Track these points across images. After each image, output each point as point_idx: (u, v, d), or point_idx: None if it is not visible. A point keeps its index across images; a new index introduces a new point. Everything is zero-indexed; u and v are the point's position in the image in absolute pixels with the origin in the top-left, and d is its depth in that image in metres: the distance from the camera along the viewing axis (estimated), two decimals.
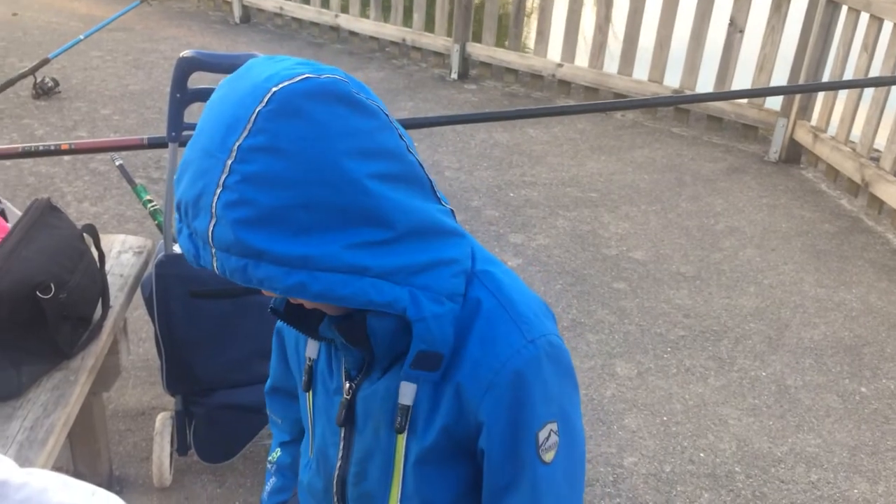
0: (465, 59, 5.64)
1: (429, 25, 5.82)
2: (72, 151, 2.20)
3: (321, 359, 0.94)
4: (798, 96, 4.36)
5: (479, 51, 5.59)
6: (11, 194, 3.47)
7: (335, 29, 6.45)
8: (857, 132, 4.02)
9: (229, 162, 0.69)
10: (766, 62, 4.45)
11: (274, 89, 0.70)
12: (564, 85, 5.33)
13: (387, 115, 0.77)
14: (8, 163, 3.81)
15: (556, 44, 5.30)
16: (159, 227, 2.15)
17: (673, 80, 4.82)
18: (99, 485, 0.78)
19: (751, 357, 2.76)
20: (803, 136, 4.34)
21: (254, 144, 0.69)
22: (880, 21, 3.86)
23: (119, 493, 2.04)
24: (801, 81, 4.30)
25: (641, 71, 4.95)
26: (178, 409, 2.01)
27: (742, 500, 2.16)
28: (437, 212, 0.80)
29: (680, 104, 4.84)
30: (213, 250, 0.71)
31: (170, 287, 1.88)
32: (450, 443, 0.87)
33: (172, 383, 1.99)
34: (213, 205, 0.70)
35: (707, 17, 4.62)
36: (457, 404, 0.84)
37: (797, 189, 4.12)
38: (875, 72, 3.97)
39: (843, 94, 4.15)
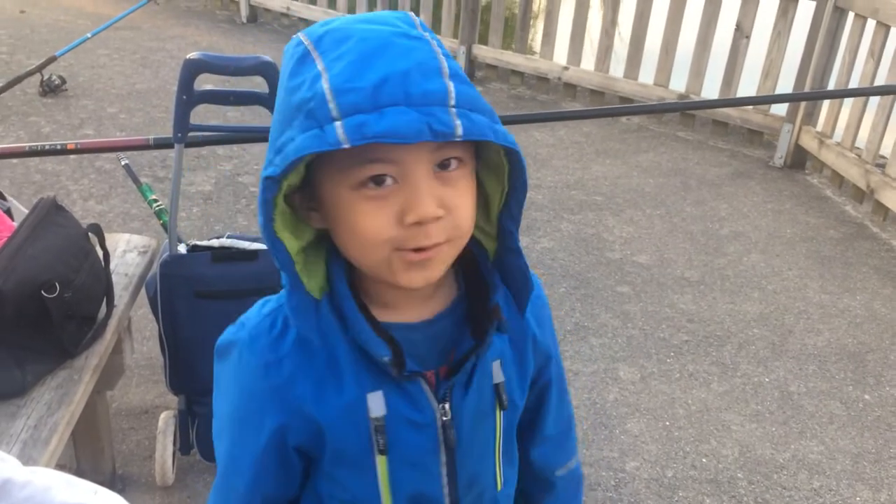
0: (471, 61, 5.65)
1: (435, 27, 5.83)
2: (77, 151, 2.21)
3: (395, 406, 0.84)
4: (804, 102, 4.36)
5: (485, 53, 5.60)
6: (18, 191, 3.48)
7: None
8: (862, 138, 4.01)
9: (431, 40, 0.73)
10: (772, 67, 4.45)
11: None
12: (570, 88, 5.34)
13: None
14: (14, 160, 3.82)
15: (563, 46, 5.30)
16: (164, 226, 2.16)
17: (679, 84, 4.82)
18: (102, 483, 0.79)
19: (754, 363, 2.76)
20: (809, 142, 4.34)
21: (432, 33, 0.75)
22: (887, 28, 3.86)
23: (122, 491, 2.04)
24: (808, 87, 4.30)
25: (647, 74, 4.95)
26: (181, 408, 2.01)
27: None
28: None
29: (685, 110, 4.84)
30: (454, 109, 0.69)
31: (174, 287, 1.88)
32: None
33: (176, 382, 2.00)
34: (444, 67, 0.71)
35: (713, 21, 4.62)
36: (534, 353, 0.93)
37: (802, 195, 4.11)
38: (881, 78, 3.96)
39: (848, 101, 4.14)
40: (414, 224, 0.72)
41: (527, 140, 4.63)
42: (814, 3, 4.23)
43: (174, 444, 2.06)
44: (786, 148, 4.44)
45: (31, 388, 1.54)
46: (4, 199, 1.98)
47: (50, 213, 1.68)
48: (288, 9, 6.77)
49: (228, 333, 0.90)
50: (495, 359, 0.88)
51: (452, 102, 0.69)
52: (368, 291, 0.84)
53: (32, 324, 1.54)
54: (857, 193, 4.00)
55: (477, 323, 0.85)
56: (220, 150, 4.18)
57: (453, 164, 0.74)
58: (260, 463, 0.89)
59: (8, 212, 1.89)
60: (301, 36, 0.76)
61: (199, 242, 2.01)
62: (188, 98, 1.83)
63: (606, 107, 5.01)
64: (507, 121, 4.26)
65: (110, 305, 1.78)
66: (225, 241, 2.01)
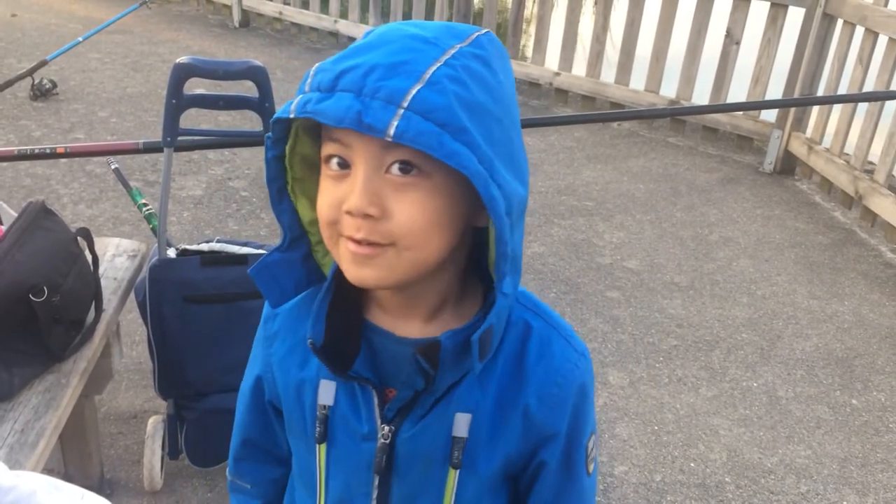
0: None
1: None
2: (67, 155, 2.21)
3: (340, 404, 0.84)
4: (793, 108, 4.39)
5: None
6: (7, 195, 3.47)
7: (334, 34, 6.46)
8: (851, 145, 4.04)
9: (453, 51, 0.71)
10: (761, 74, 4.48)
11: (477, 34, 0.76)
12: (562, 93, 5.35)
13: None
14: (4, 164, 3.81)
15: (554, 52, 5.32)
16: (154, 230, 2.16)
17: (669, 90, 4.84)
18: (89, 488, 0.79)
19: (742, 368, 2.77)
20: (798, 148, 4.36)
21: (473, 51, 0.72)
22: (875, 35, 3.89)
23: (109, 496, 2.04)
24: (797, 93, 4.33)
25: (638, 80, 4.97)
26: (169, 413, 2.01)
27: None
28: None
29: (676, 116, 4.86)
30: (401, 111, 0.66)
31: (163, 291, 1.88)
32: (503, 471, 0.87)
33: (164, 387, 2.00)
34: (428, 72, 0.69)
35: (704, 28, 4.64)
36: (524, 427, 0.84)
37: (791, 200, 4.14)
38: (870, 85, 3.99)
39: (837, 107, 4.18)
40: (346, 213, 0.72)
41: None
42: (803, 11, 4.26)
43: (163, 448, 2.06)
44: (775, 154, 4.46)
45: (19, 392, 1.54)
46: None
47: (39, 217, 1.68)
48: (280, 14, 6.77)
49: None
50: (465, 410, 0.82)
51: (405, 104, 0.66)
52: (372, 290, 0.83)
53: (20, 327, 1.54)
54: (845, 199, 4.02)
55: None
56: (212, 154, 4.18)
57: (413, 170, 0.71)
58: (246, 403, 0.98)
59: None
60: (340, 27, 0.79)
61: (188, 247, 2.01)
62: (178, 102, 1.83)
63: (597, 112, 5.03)
64: None
65: (99, 310, 1.77)
66: (214, 246, 2.01)
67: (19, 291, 1.51)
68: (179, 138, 1.91)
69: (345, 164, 0.73)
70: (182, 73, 1.80)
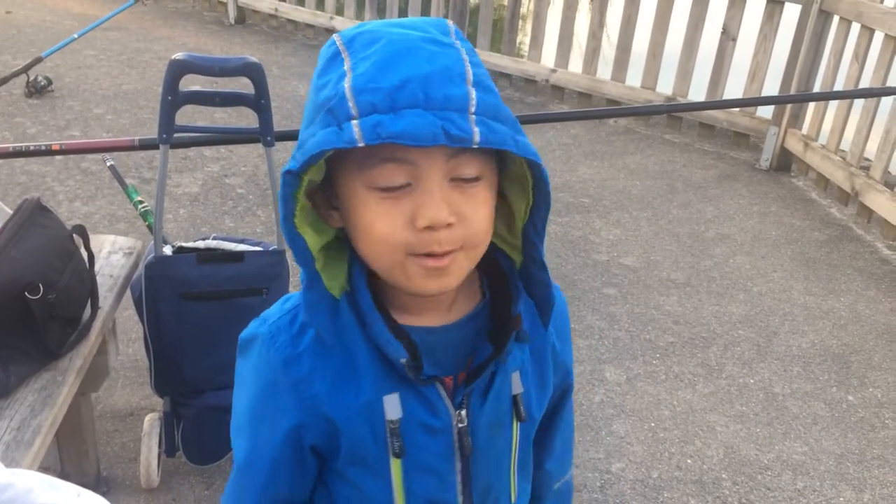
0: None
1: None
2: (63, 152, 2.20)
3: (411, 410, 0.83)
4: (789, 105, 4.39)
5: None
6: (3, 192, 3.46)
7: (330, 31, 6.45)
8: (847, 141, 4.04)
9: (461, 48, 0.73)
10: (758, 70, 4.48)
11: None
12: (558, 90, 5.35)
13: None
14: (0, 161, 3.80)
15: (550, 49, 5.32)
16: (150, 228, 2.15)
17: (666, 86, 4.84)
18: (86, 485, 0.78)
19: (739, 364, 2.77)
20: (794, 145, 4.37)
21: (467, 46, 0.75)
22: (871, 31, 3.89)
23: (106, 494, 2.03)
24: (793, 90, 4.33)
25: (634, 77, 4.97)
26: (166, 411, 2.01)
27: None
28: None
29: (672, 112, 4.86)
30: (474, 116, 0.68)
31: (159, 288, 1.88)
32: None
33: (161, 384, 1.99)
34: (469, 75, 0.70)
35: (700, 24, 4.64)
36: (555, 367, 0.94)
37: (787, 197, 4.14)
38: (866, 81, 3.99)
39: (833, 104, 4.17)
40: (425, 229, 0.72)
41: None
42: (799, 7, 4.27)
43: (159, 446, 2.05)
44: (771, 150, 4.46)
45: (15, 390, 1.54)
46: None
47: (34, 215, 1.68)
48: (276, 10, 6.76)
49: (250, 328, 0.90)
50: (515, 369, 0.88)
51: (473, 109, 0.68)
52: (388, 294, 0.84)
53: (16, 325, 1.53)
54: (841, 196, 4.03)
55: (498, 332, 0.85)
56: (208, 151, 4.17)
57: (473, 175, 0.73)
58: (276, 461, 0.88)
59: None
60: (336, 37, 0.76)
61: (184, 244, 2.01)
62: (173, 99, 1.82)
63: (594, 108, 5.02)
64: None
65: (95, 307, 1.77)
66: (211, 243, 2.01)
67: (15, 289, 1.51)
68: (175, 135, 1.90)
69: (405, 183, 0.72)
70: (178, 70, 1.79)
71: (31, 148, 2.19)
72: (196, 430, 2.01)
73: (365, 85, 0.69)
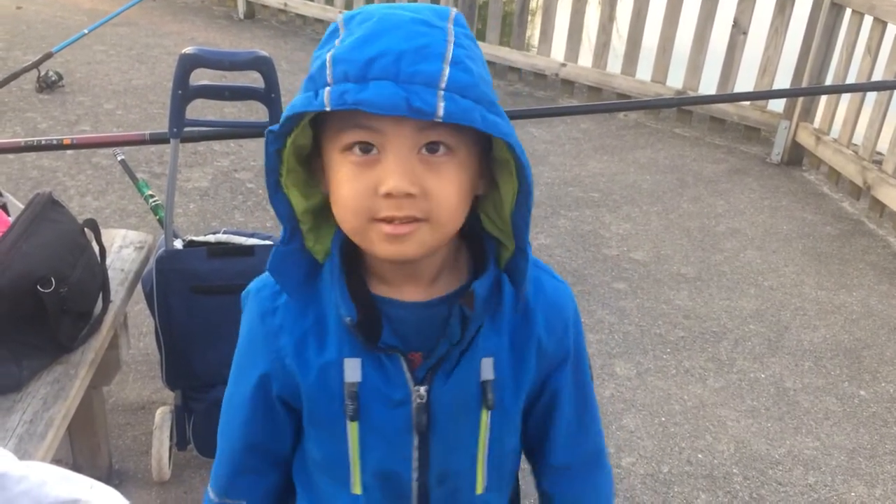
0: None
1: None
2: (73, 146, 2.20)
3: (369, 378, 0.87)
4: (801, 98, 4.36)
5: (482, 49, 5.57)
6: (14, 187, 3.48)
7: None
8: (859, 135, 4.01)
9: (451, 31, 0.75)
10: (769, 64, 4.45)
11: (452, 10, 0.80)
12: (568, 84, 5.33)
13: None
14: (11, 156, 3.81)
15: (560, 43, 5.30)
16: (160, 222, 2.16)
17: (676, 80, 4.82)
18: (98, 478, 0.79)
19: (750, 359, 2.76)
20: (806, 139, 4.34)
21: (463, 31, 0.77)
22: (884, 24, 3.86)
23: (118, 486, 2.04)
24: (805, 84, 4.30)
25: (645, 71, 4.95)
26: (177, 404, 2.01)
27: (739, 502, 2.17)
28: None
29: (682, 106, 4.84)
30: (441, 92, 0.70)
31: (170, 282, 1.88)
32: (524, 404, 0.95)
33: (172, 378, 2.00)
34: (448, 53, 0.73)
35: (711, 18, 4.62)
36: (538, 360, 0.92)
37: (799, 191, 4.12)
38: (878, 74, 3.96)
39: (845, 97, 4.15)
40: (386, 196, 0.74)
41: (524, 136, 4.63)
42: (811, 0, 4.23)
43: (171, 439, 2.06)
44: (783, 144, 4.44)
45: (27, 383, 1.54)
46: (1, 194, 1.98)
47: (46, 209, 1.68)
48: (285, 5, 6.75)
49: (249, 285, 0.95)
50: (487, 355, 0.88)
51: (443, 85, 0.71)
52: (368, 262, 0.87)
53: (28, 319, 1.54)
54: (853, 190, 4.01)
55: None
56: (217, 146, 4.17)
57: (441, 148, 0.75)
58: (249, 407, 0.94)
59: (4, 207, 1.88)
60: (339, 15, 0.80)
61: (195, 238, 2.01)
62: (184, 93, 1.83)
63: (604, 102, 5.01)
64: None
65: (106, 301, 1.77)
66: (221, 237, 2.01)
67: (27, 283, 1.51)
68: (186, 129, 1.91)
69: (373, 150, 0.75)
70: (188, 64, 1.79)
71: (43, 143, 2.19)
72: (207, 424, 2.01)
73: (342, 55, 0.73)
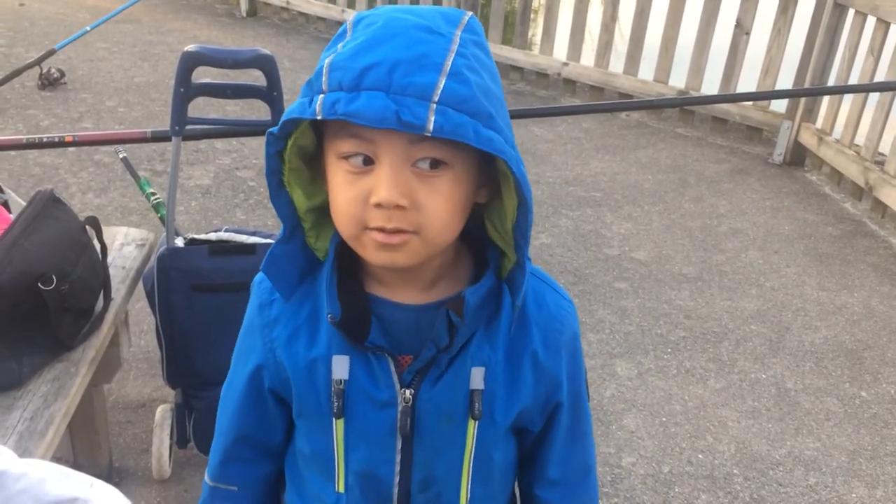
0: None
1: None
2: (75, 144, 2.20)
3: (356, 376, 0.86)
4: (803, 99, 4.36)
5: None
6: (16, 184, 3.48)
7: (342, 24, 6.43)
8: (862, 136, 4.01)
9: (457, 39, 0.73)
10: (771, 64, 4.45)
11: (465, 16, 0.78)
12: (570, 84, 5.33)
13: None
14: (13, 153, 3.81)
15: (563, 42, 5.30)
16: (162, 220, 2.16)
17: (678, 80, 4.81)
18: (98, 476, 0.79)
19: (751, 359, 2.76)
20: (808, 139, 4.34)
21: (472, 38, 0.75)
22: (887, 25, 3.85)
23: (118, 484, 2.05)
24: (807, 84, 4.29)
25: (647, 71, 4.95)
26: (178, 402, 2.01)
27: (740, 503, 2.17)
28: None
29: (684, 105, 4.83)
30: (434, 105, 0.69)
31: (171, 280, 1.88)
32: (517, 422, 0.93)
33: (172, 376, 2.00)
34: (448, 64, 0.71)
35: (713, 18, 4.61)
36: (535, 375, 0.90)
37: (801, 192, 4.12)
38: (881, 75, 3.96)
39: (848, 98, 4.14)
40: (376, 206, 0.74)
41: (526, 135, 4.63)
42: (814, 0, 4.23)
43: (171, 437, 2.06)
44: (785, 145, 4.43)
45: (28, 381, 1.54)
46: (2, 191, 1.98)
47: (47, 206, 1.68)
48: (288, 3, 6.75)
49: (256, 276, 0.96)
50: (479, 365, 0.87)
51: (436, 98, 0.69)
52: (365, 264, 0.86)
53: (29, 316, 1.54)
54: (855, 190, 4.00)
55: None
56: (219, 144, 4.17)
57: (434, 163, 0.74)
58: (241, 398, 0.96)
59: (5, 204, 1.88)
60: (352, 15, 0.80)
61: (196, 236, 2.01)
62: (186, 91, 1.83)
63: (606, 102, 5.00)
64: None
65: (107, 298, 1.77)
66: (222, 235, 2.01)
67: (28, 280, 1.51)
68: (188, 127, 1.91)
69: (368, 160, 0.75)
70: (190, 62, 1.79)
71: (45, 140, 2.19)
72: (208, 422, 2.00)
73: (339, 63, 0.72)
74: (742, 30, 4.53)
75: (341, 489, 0.93)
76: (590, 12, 5.18)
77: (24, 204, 1.72)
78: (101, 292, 1.77)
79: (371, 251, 0.78)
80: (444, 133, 0.69)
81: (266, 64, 1.84)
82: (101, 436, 2.06)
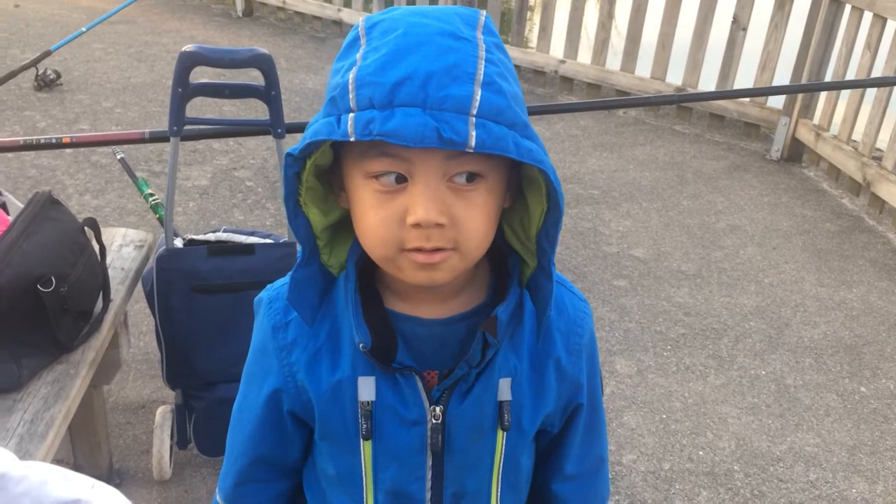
0: None
1: None
2: (73, 145, 2.20)
3: (384, 396, 0.84)
4: (800, 95, 4.36)
5: None
6: (13, 186, 3.47)
7: (338, 23, 6.44)
8: (859, 131, 4.01)
9: (482, 43, 0.71)
10: (768, 60, 4.45)
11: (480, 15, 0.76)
12: (567, 81, 5.33)
13: None
14: (10, 155, 3.80)
15: (559, 40, 5.29)
16: (160, 220, 2.15)
17: (675, 77, 4.81)
18: (99, 477, 0.79)
19: (751, 356, 2.76)
20: (805, 135, 4.34)
21: (493, 41, 0.73)
22: (883, 20, 3.86)
23: (119, 485, 2.04)
24: (804, 80, 4.30)
25: (644, 68, 4.95)
26: (178, 403, 2.01)
27: (740, 499, 2.17)
28: None
29: (682, 103, 4.83)
30: (472, 119, 0.66)
31: (170, 281, 1.88)
32: (540, 428, 0.93)
33: (172, 377, 2.00)
34: (479, 73, 0.68)
35: (710, 14, 4.61)
36: (558, 381, 0.89)
37: (799, 188, 4.12)
38: (878, 70, 3.96)
39: (845, 94, 4.14)
40: (414, 226, 0.71)
41: None
42: None
43: (171, 438, 2.06)
44: (782, 141, 4.44)
45: (27, 383, 1.54)
46: (0, 193, 1.97)
47: (45, 208, 1.68)
48: (284, 3, 6.74)
49: (261, 292, 0.93)
50: (506, 376, 0.85)
51: (474, 111, 0.66)
52: (386, 278, 0.84)
53: (28, 318, 1.53)
54: (853, 186, 4.00)
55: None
56: (217, 144, 4.17)
57: (471, 177, 0.72)
58: (257, 421, 0.92)
59: (3, 206, 1.88)
60: (360, 21, 0.75)
61: (195, 236, 2.01)
62: (183, 91, 1.82)
63: (603, 99, 5.00)
64: None
65: (106, 300, 1.77)
66: (221, 235, 2.01)
67: (27, 282, 1.51)
68: (185, 127, 1.90)
69: (401, 178, 0.72)
70: (188, 62, 1.79)
71: (42, 141, 2.19)
72: (208, 423, 2.01)
73: (367, 78, 0.68)
74: (739, 26, 4.53)
75: None
76: (586, 9, 5.18)
77: (21, 206, 1.71)
78: (101, 294, 1.76)
79: (409, 272, 0.75)
80: (486, 148, 0.66)
81: (264, 63, 1.84)
82: (101, 437, 2.05)
